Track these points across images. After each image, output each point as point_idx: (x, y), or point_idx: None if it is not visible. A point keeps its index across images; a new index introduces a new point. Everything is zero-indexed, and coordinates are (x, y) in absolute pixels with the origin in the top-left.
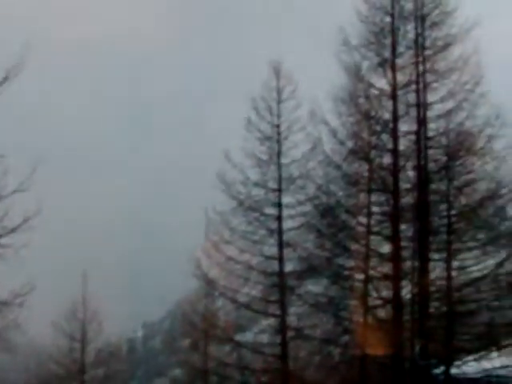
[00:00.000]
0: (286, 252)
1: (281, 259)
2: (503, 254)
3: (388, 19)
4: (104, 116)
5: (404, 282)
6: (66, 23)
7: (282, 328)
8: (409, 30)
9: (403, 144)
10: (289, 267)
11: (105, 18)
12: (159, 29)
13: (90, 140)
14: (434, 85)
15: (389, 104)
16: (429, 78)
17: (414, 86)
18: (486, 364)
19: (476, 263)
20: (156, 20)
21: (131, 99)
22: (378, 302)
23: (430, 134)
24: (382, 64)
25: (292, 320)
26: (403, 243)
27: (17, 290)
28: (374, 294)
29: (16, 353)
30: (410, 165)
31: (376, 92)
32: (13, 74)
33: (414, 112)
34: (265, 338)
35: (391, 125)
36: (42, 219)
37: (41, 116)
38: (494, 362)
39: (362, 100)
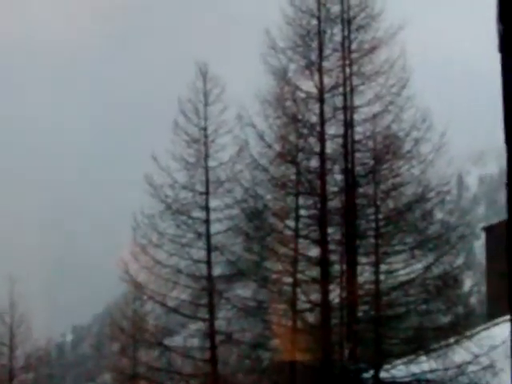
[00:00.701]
0: (214, 255)
1: (209, 263)
2: (431, 258)
3: (314, 22)
4: None
5: (332, 286)
6: None
7: (211, 332)
8: (335, 33)
9: (330, 147)
10: (217, 271)
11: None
12: (83, 36)
13: None
14: (361, 88)
15: (316, 107)
16: (355, 81)
17: (340, 89)
18: (415, 368)
19: (404, 267)
20: (79, 27)
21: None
22: (307, 305)
23: (357, 137)
24: (308, 67)
25: (221, 324)
26: (331, 247)
27: None
28: (303, 298)
29: None
30: (337, 168)
31: (303, 95)
32: None
33: (340, 115)
34: (194, 343)
35: (318, 128)
36: None
37: None
38: (423, 365)
39: (288, 103)
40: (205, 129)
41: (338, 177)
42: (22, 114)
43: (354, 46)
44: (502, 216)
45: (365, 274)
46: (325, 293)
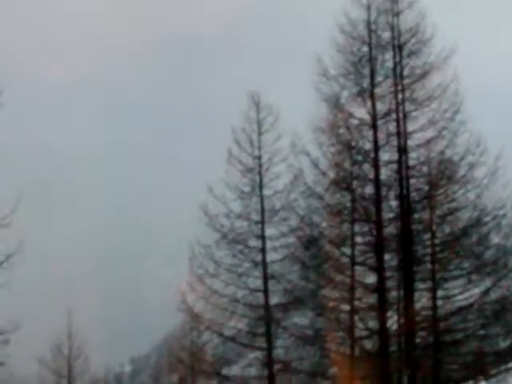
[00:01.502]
0: (271, 284)
1: (266, 292)
2: (488, 283)
3: (365, 49)
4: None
5: (390, 313)
6: None
7: (269, 361)
8: (387, 59)
9: (385, 173)
10: (274, 300)
11: None
12: (134, 74)
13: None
14: (414, 113)
15: (369, 134)
16: (408, 106)
17: (393, 115)
18: None
19: (461, 292)
20: (130, 64)
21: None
22: (365, 333)
23: (412, 163)
24: (360, 93)
25: (279, 353)
26: (388, 273)
27: (2, 326)
28: (361, 326)
29: None
30: (392, 194)
31: (356, 122)
32: None
33: (394, 141)
34: (252, 372)
35: (372, 154)
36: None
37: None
38: None
39: (342, 130)
40: (259, 158)
41: (394, 203)
42: None
43: (405, 72)
44: None
45: (422, 300)
46: (382, 320)
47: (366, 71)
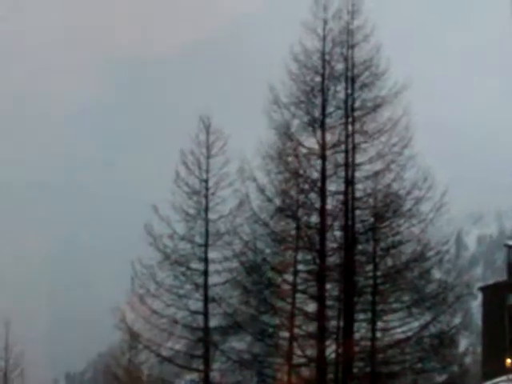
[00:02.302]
0: (211, 307)
1: (206, 314)
2: (428, 317)
3: (318, 79)
4: None
5: (328, 342)
6: None
7: (205, 383)
8: (339, 91)
9: (331, 204)
10: (213, 322)
11: None
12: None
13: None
14: (363, 146)
15: (317, 163)
16: (357, 138)
17: (342, 147)
18: None
19: (401, 325)
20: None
21: None
22: (303, 360)
23: (358, 194)
24: (311, 123)
25: (216, 376)
26: (329, 302)
27: None
28: (299, 353)
29: None
30: (337, 224)
31: (305, 151)
32: None
33: (342, 172)
34: None
35: (319, 184)
36: None
37: None
38: None
39: (290, 158)
40: (206, 181)
41: (338, 233)
42: None
43: (357, 104)
44: (500, 276)
45: (361, 331)
46: (321, 348)
47: (318, 101)
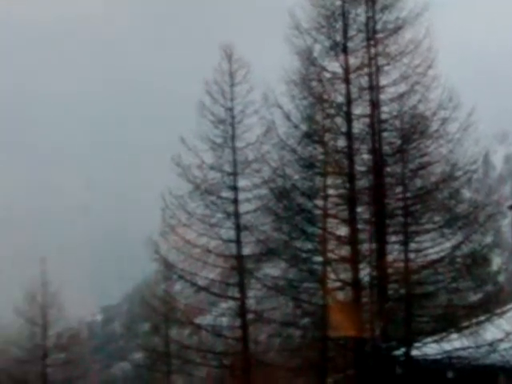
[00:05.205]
0: (244, 235)
1: (239, 242)
2: (460, 237)
3: (338, 2)
4: None
5: (362, 265)
6: None
7: (241, 311)
8: (359, 14)
9: (357, 127)
10: (247, 250)
11: None
12: (109, 16)
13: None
14: (386, 68)
15: (342, 87)
16: (380, 61)
17: (366, 69)
18: (447, 345)
19: (433, 245)
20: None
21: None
22: (337, 284)
23: (384, 116)
24: (333, 47)
25: (251, 303)
26: (360, 226)
27: None
28: (333, 277)
29: None
30: (364, 148)
31: (328, 75)
32: None
33: (367, 95)
34: (225, 321)
35: (345, 108)
36: None
37: None
38: (454, 343)
39: (314, 83)
40: (231, 109)
41: (366, 156)
42: None
43: (378, 26)
44: None
45: (394, 253)
46: (355, 271)
47: (339, 25)
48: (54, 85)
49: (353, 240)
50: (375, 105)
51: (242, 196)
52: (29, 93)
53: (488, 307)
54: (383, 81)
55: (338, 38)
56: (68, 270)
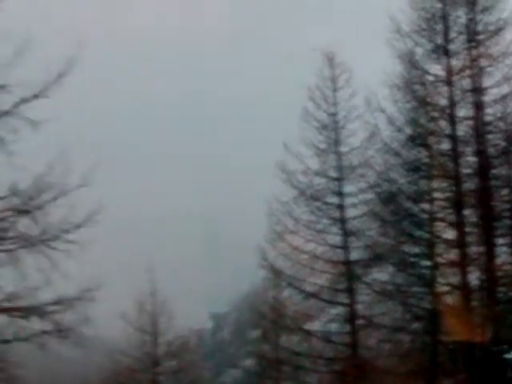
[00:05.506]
0: (351, 240)
1: (346, 248)
2: None
3: (439, 5)
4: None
5: (471, 268)
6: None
7: (350, 317)
8: (460, 16)
9: (461, 129)
10: (354, 255)
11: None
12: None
13: (148, 135)
14: (489, 69)
15: (444, 90)
16: (483, 62)
17: (468, 71)
18: None
19: None
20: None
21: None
22: (446, 288)
23: (488, 118)
24: (435, 50)
25: (360, 308)
26: (467, 229)
27: (86, 285)
28: (442, 281)
29: (87, 347)
30: (469, 150)
31: (431, 78)
32: (68, 70)
33: (470, 97)
34: (334, 327)
35: (448, 111)
36: (106, 214)
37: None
38: None
39: (417, 86)
40: (334, 115)
41: (471, 159)
42: None
43: (479, 28)
44: None
45: (503, 256)
46: (463, 275)
47: (440, 28)
48: None
49: (461, 243)
50: (479, 107)
51: (347, 201)
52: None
53: None
54: (486, 82)
55: (440, 40)
56: (177, 278)
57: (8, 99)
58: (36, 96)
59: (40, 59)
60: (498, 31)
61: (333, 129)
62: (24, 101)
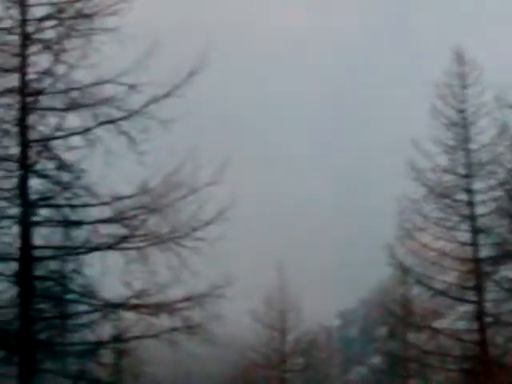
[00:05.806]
0: (480, 238)
1: (475, 245)
2: None
3: None
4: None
5: None
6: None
7: (479, 314)
8: None
9: None
10: (483, 253)
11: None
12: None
13: (280, 135)
14: None
15: None
16: None
17: None
18: None
19: None
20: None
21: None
22: None
23: None
24: None
25: (489, 306)
26: None
27: (215, 281)
28: None
29: (217, 344)
30: None
31: None
32: (199, 69)
33: None
34: (462, 325)
35: None
36: (236, 211)
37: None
38: None
39: None
40: (463, 111)
41: None
42: None
43: None
44: None
45: None
46: None
47: None
48: None
49: None
50: None
51: (477, 198)
52: None
53: None
54: None
55: None
56: (306, 275)
57: (139, 99)
58: (166, 95)
59: (171, 59)
60: None
61: (462, 126)
62: (154, 100)
